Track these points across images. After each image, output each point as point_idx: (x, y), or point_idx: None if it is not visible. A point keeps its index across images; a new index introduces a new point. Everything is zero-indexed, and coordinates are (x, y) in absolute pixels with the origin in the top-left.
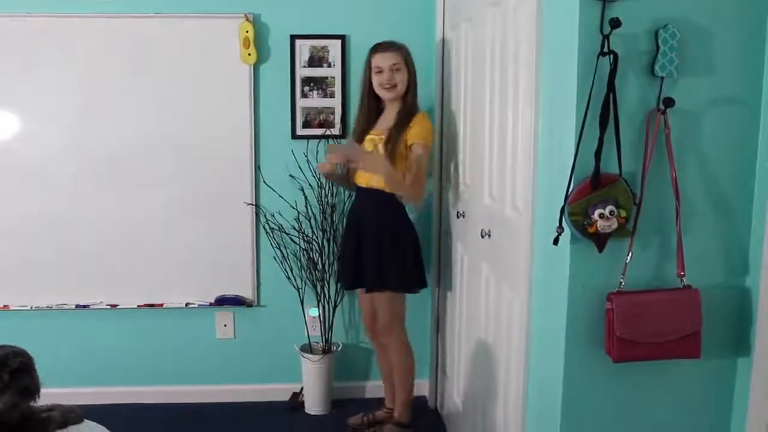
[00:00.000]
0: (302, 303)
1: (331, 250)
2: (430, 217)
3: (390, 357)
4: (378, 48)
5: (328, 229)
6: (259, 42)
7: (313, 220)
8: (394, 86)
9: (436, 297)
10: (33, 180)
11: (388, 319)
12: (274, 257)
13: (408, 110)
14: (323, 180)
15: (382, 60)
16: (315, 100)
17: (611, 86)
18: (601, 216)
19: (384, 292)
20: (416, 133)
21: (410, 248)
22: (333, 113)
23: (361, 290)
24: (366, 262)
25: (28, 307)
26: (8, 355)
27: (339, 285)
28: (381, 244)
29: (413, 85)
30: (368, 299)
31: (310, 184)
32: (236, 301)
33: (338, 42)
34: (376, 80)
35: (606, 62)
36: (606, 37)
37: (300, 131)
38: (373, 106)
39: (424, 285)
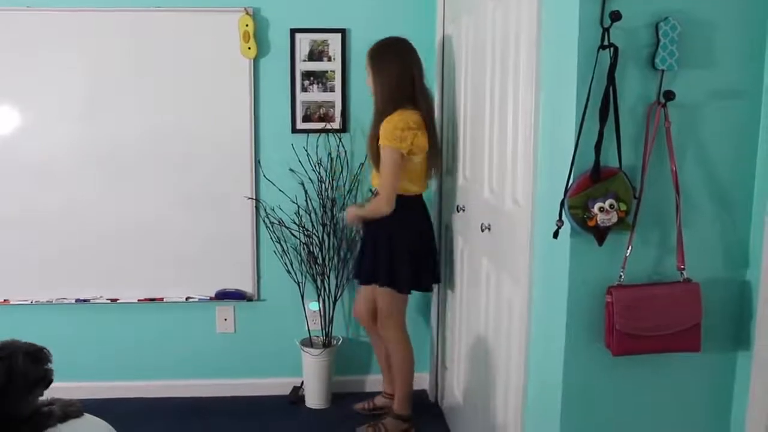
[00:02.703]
0: (302, 297)
1: (331, 244)
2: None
3: (389, 350)
4: None
5: (328, 223)
6: (259, 36)
7: (313, 214)
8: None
9: (436, 291)
10: (34, 174)
11: (384, 313)
12: (275, 251)
13: (379, 115)
14: (323, 174)
15: None
16: (315, 94)
17: (611, 79)
18: (601, 209)
19: (374, 285)
20: (381, 135)
21: (403, 250)
22: (333, 107)
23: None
24: (365, 257)
25: (29, 302)
26: (48, 353)
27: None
28: (376, 243)
29: (378, 86)
30: (369, 290)
31: (310, 178)
32: (237, 296)
33: (338, 36)
34: None
35: (606, 55)
36: (606, 30)
37: (300, 125)
38: None
39: (415, 287)
